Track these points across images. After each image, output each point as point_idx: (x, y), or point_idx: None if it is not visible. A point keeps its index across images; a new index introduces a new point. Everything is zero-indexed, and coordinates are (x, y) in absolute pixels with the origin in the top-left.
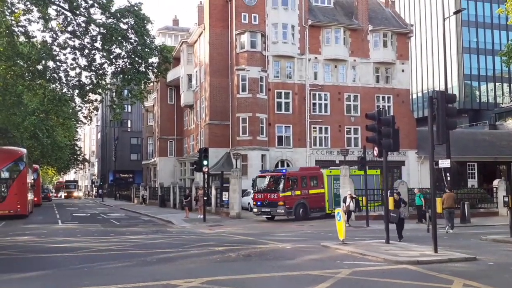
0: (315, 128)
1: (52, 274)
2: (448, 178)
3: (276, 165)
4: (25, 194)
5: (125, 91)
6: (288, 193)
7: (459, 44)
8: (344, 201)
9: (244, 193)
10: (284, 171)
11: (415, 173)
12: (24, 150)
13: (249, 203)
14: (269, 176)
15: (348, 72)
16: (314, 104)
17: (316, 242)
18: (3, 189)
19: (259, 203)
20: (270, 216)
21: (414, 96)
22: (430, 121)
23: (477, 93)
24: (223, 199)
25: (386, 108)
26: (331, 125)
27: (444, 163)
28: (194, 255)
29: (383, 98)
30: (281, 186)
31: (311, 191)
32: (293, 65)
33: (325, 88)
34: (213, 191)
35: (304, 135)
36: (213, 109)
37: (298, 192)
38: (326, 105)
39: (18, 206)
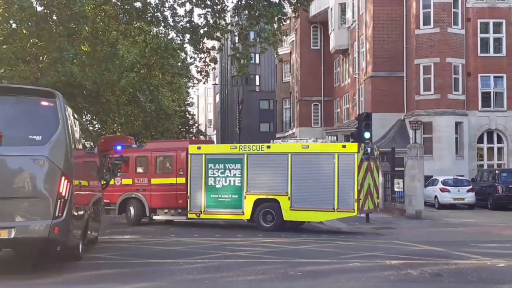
0: None
1: (165, 287)
2: None
3: (480, 138)
4: None
5: (251, 34)
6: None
7: None
8: None
9: (428, 181)
10: (117, 148)
11: None
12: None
13: (435, 197)
14: None
15: None
16: None
17: None
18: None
19: None
20: None
21: None
22: None
23: None
24: (395, 189)
25: None
26: None
27: None
28: (355, 270)
29: None
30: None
31: (154, 180)
32: None
33: None
34: (380, 178)
35: None
36: (379, 55)
37: (127, 181)
38: None
39: None
